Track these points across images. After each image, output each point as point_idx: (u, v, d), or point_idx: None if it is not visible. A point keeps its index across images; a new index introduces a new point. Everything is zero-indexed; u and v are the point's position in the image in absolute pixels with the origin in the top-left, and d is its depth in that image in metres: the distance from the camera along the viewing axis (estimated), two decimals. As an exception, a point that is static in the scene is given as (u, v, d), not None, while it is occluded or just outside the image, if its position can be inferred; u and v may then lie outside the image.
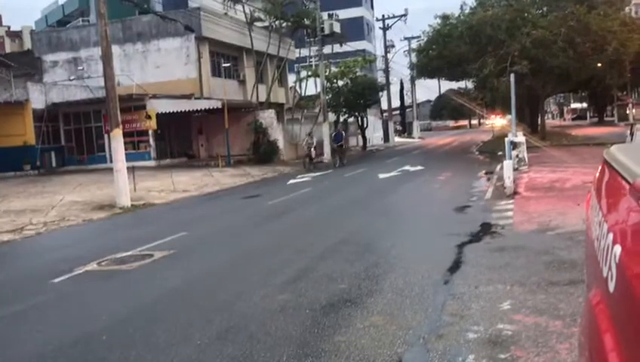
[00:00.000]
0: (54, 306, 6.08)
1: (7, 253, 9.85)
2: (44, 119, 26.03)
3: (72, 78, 30.93)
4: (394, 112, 57.16)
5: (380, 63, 53.43)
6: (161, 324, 5.11)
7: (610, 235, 1.48)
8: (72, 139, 28.54)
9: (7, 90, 25.86)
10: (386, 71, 50.17)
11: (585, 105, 75.86)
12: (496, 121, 44.72)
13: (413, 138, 56.89)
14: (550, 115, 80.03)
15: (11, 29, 72.78)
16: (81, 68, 31.52)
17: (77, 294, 6.55)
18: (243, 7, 32.66)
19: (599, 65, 27.64)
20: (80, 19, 42.30)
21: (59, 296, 6.48)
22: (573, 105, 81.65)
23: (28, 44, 47.82)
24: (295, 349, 4.29)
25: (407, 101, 67.03)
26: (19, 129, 25.45)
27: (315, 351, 4.23)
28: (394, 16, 49.64)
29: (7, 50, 59.27)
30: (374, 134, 47.26)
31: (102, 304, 6.06)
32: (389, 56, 50.94)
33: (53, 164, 26.86)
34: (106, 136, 24.50)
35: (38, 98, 26.34)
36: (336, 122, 36.90)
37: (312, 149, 25.88)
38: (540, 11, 28.66)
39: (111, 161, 17.12)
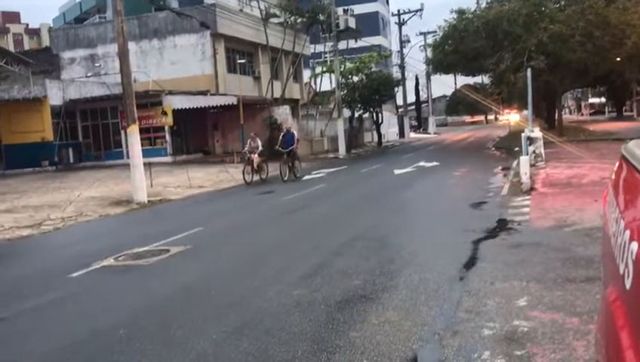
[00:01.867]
0: (72, 301, 6.15)
1: (25, 248, 9.99)
2: (62, 115, 26.33)
3: (89, 74, 31.25)
4: (409, 108, 56.97)
5: (395, 59, 53.30)
6: (177, 319, 5.15)
7: (627, 232, 1.46)
8: (89, 135, 28.85)
9: (26, 86, 26.21)
10: (402, 66, 50.03)
11: (603, 100, 74.80)
12: (513, 117, 44.28)
13: (428, 133, 56.67)
14: (567, 110, 79.07)
15: (30, 27, 73.69)
16: (98, 64, 31.83)
17: (94, 289, 6.63)
18: (258, 3, 32.73)
19: (618, 59, 27.22)
20: (97, 16, 42.61)
21: (76, 290, 6.56)
22: (591, 100, 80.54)
23: (46, 42, 48.41)
24: (310, 344, 4.30)
25: (423, 96, 66.84)
26: (37, 125, 25.78)
27: (330, 346, 4.24)
28: (409, 11, 49.52)
29: (26, 47, 60.08)
30: (389, 130, 47.15)
31: (119, 298, 6.13)
32: (405, 51, 50.79)
33: (71, 160, 27.17)
34: (122, 132, 24.72)
35: (55, 94, 26.64)
36: (351, 118, 36.84)
37: (256, 156, 18.44)
38: (558, 5, 28.31)
39: (128, 157, 17.28)
